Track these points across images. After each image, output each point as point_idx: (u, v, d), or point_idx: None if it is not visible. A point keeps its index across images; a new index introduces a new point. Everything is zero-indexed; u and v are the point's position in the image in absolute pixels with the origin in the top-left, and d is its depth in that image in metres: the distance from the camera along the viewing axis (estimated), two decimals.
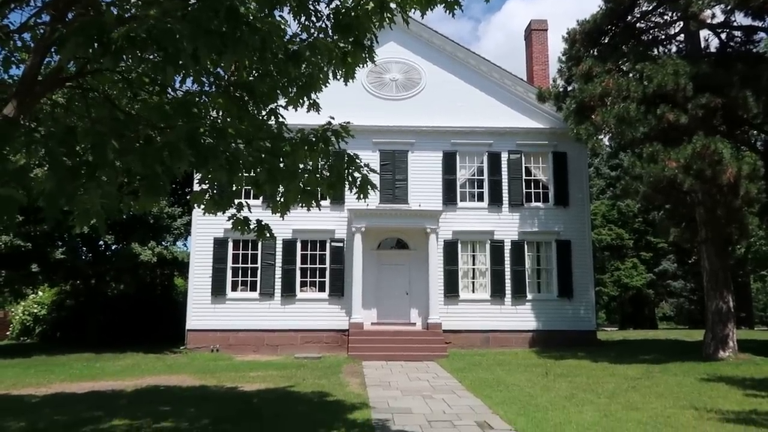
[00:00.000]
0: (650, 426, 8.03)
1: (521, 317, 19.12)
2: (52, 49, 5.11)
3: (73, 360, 16.75)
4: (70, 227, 16.97)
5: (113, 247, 21.56)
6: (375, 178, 6.44)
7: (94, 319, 21.95)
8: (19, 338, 25.77)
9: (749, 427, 7.96)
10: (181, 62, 4.26)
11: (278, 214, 6.16)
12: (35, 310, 25.36)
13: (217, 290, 18.71)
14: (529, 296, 19.30)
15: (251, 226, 6.20)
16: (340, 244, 19.14)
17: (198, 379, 12.92)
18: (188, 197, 16.78)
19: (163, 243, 22.15)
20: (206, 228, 18.51)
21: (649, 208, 29.87)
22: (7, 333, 26.80)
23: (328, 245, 19.22)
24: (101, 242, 20.93)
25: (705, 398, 10.11)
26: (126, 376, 13.51)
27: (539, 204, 19.95)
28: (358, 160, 6.10)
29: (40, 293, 25.82)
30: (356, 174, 6.08)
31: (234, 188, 5.87)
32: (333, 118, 6.16)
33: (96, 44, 4.12)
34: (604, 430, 7.79)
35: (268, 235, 6.22)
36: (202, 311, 18.60)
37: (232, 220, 6.18)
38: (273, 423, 8.27)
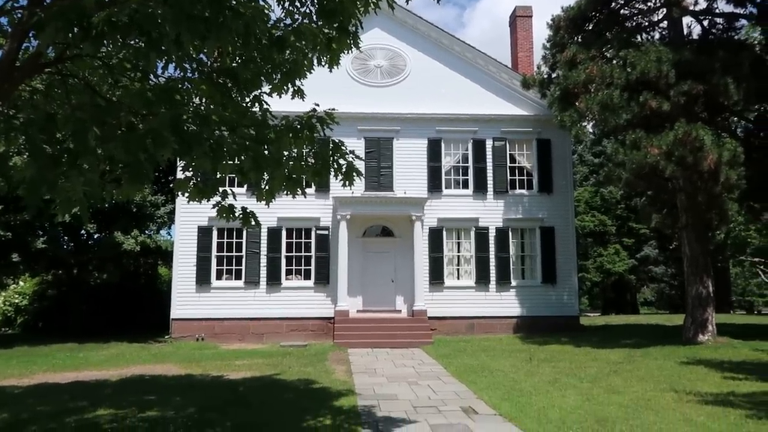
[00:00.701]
0: (631, 409, 8.17)
1: (506, 303, 19.29)
2: (31, 34, 4.98)
3: (56, 350, 16.59)
4: (51, 216, 16.80)
5: (95, 236, 21.34)
6: (360, 166, 6.42)
7: (77, 309, 21.73)
8: (0, 329, 25.44)
9: (727, 408, 8.14)
10: (163, 48, 4.21)
11: (263, 202, 6.11)
12: (16, 301, 25.03)
13: (202, 279, 18.60)
14: (514, 283, 19.46)
15: (236, 214, 6.15)
16: (326, 232, 19.10)
17: (183, 368, 12.88)
18: (172, 185, 16.62)
19: (147, 232, 21.97)
20: (190, 216, 18.34)
21: (631, 195, 30.23)
22: None
23: (313, 233, 19.16)
24: (83, 231, 20.70)
25: (685, 381, 10.30)
26: (110, 365, 13.43)
27: (523, 191, 20.06)
28: (343, 147, 6.07)
29: (21, 283, 25.48)
30: (341, 161, 6.06)
31: (218, 176, 5.83)
32: (318, 105, 6.11)
33: (76, 29, 4.05)
34: (587, 413, 7.91)
35: (253, 222, 6.18)
36: (186, 300, 18.48)
37: (216, 208, 6.11)
38: (259, 411, 8.28)
